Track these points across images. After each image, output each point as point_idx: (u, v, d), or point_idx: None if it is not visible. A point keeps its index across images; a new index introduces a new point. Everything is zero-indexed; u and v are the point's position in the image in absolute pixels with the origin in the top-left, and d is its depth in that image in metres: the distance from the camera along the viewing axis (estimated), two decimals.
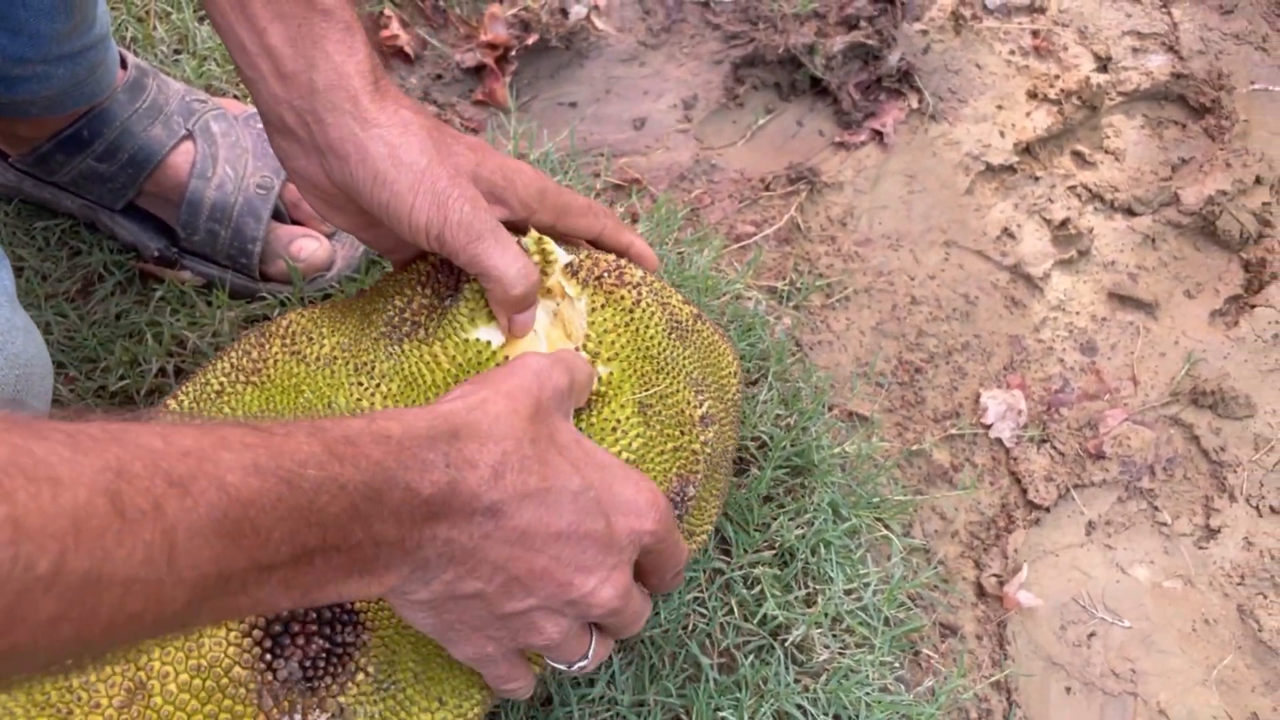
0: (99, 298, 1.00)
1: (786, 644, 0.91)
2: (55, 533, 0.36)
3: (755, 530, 0.94)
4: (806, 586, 0.94)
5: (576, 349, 0.73)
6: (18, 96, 0.92)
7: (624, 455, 0.70)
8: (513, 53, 1.26)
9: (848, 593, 0.94)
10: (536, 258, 0.73)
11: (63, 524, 0.37)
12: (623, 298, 0.74)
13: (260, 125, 1.03)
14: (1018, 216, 1.31)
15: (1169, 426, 1.18)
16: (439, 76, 1.26)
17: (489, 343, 0.71)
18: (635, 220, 1.18)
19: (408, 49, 1.24)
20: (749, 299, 1.14)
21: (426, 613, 0.58)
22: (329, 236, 1.03)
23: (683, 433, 0.73)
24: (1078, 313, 1.26)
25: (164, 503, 0.41)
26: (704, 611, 0.91)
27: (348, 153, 0.70)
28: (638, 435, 0.70)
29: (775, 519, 0.95)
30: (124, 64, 0.99)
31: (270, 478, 0.45)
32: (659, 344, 0.74)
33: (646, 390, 0.72)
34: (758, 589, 0.92)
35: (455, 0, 1.28)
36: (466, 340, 0.71)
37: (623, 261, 0.77)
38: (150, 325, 0.97)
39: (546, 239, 0.75)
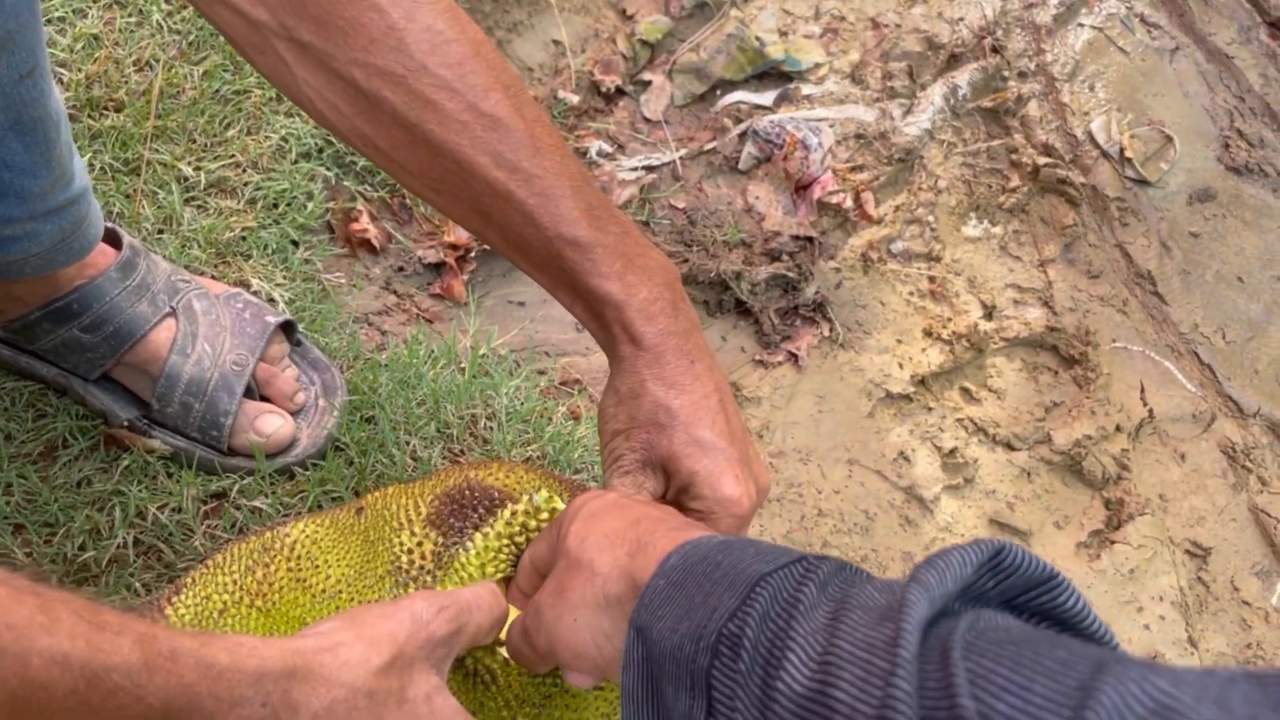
0: (63, 462, 1.02)
1: None
2: None
3: None
4: None
5: None
6: (11, 256, 0.96)
7: None
8: (472, 253, 1.36)
9: None
10: (544, 509, 0.79)
11: None
12: None
13: (239, 304, 1.09)
14: (912, 442, 1.45)
15: None
16: (400, 269, 1.35)
17: None
18: (576, 419, 1.27)
19: (374, 241, 1.32)
20: None
21: None
22: (294, 414, 1.09)
23: None
24: (962, 535, 1.39)
25: None
26: None
27: None
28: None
29: None
30: (119, 244, 1.04)
31: (73, 672, 0.49)
32: None
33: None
34: None
35: (420, 201, 1.38)
36: None
37: None
38: (115, 494, 1.00)
39: (554, 496, 0.79)
